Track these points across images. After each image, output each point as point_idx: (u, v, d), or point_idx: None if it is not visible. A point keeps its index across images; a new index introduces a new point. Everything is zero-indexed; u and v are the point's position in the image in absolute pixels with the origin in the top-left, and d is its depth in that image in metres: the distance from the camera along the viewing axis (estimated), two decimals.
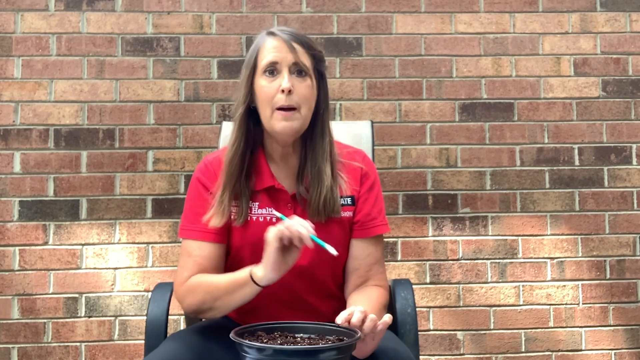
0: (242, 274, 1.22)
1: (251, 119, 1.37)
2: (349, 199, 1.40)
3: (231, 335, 1.02)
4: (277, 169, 1.40)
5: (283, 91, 1.30)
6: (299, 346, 1.03)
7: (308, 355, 0.99)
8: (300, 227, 1.14)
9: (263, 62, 1.33)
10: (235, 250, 1.37)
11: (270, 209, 1.37)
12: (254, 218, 1.36)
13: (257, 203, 1.37)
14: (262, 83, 1.33)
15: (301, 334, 1.12)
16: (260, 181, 1.37)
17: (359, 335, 1.05)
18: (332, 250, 1.15)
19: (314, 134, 1.38)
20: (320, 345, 1.03)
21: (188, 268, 1.34)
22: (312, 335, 1.11)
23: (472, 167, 2.51)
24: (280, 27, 1.40)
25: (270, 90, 1.32)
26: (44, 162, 2.41)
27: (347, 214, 1.39)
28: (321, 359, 0.99)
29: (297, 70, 1.33)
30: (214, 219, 1.33)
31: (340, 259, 1.39)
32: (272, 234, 1.16)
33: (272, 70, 1.33)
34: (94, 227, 2.40)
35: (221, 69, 2.48)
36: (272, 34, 1.36)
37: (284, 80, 1.31)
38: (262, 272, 1.18)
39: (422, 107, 2.52)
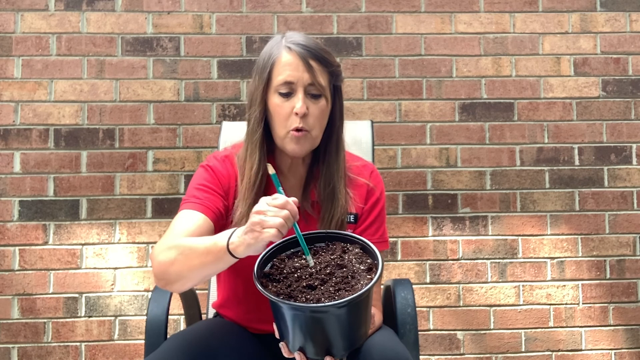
0: (220, 244, 1.12)
1: (264, 129, 1.34)
2: (352, 217, 1.37)
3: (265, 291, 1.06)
4: (284, 179, 1.39)
5: (297, 114, 1.27)
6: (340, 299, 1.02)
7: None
8: (288, 219, 1.08)
9: (278, 79, 1.29)
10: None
11: None
12: None
13: None
14: (276, 101, 1.30)
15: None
16: (268, 191, 1.35)
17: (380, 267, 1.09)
18: (310, 260, 1.12)
19: (328, 148, 1.36)
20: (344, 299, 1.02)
21: (173, 230, 1.29)
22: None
23: (472, 167, 2.51)
24: (296, 38, 1.31)
25: (285, 111, 1.29)
26: (44, 162, 2.41)
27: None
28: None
29: (313, 90, 1.29)
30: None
31: None
32: (274, 236, 1.07)
33: (288, 91, 1.29)
34: (94, 227, 2.40)
35: (221, 68, 2.48)
36: (289, 48, 1.29)
37: (299, 103, 1.27)
38: (243, 251, 1.10)
39: (422, 107, 2.52)
